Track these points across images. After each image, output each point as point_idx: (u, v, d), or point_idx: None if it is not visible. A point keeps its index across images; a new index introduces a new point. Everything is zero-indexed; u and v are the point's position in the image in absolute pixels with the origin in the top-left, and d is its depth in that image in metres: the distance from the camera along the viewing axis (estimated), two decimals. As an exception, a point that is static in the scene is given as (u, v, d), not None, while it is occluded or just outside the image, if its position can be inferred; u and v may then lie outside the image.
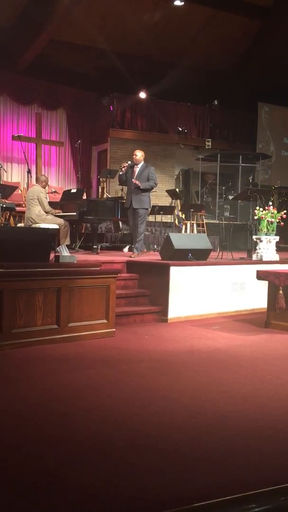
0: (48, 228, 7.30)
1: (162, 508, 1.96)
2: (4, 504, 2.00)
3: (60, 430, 2.75)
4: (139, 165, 7.43)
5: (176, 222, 11.91)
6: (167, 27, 12.78)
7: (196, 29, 13.10)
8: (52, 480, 2.20)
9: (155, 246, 10.01)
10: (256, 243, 7.67)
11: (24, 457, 2.41)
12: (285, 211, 7.61)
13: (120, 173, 7.54)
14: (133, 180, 7.29)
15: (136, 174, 7.37)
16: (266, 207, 7.55)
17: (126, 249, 9.10)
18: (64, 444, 2.56)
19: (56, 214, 8.12)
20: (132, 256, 7.14)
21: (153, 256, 7.53)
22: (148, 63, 13.36)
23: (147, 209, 7.50)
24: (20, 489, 2.12)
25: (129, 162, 7.52)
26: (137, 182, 7.23)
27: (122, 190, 12.03)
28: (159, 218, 10.74)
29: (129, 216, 7.59)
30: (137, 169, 7.41)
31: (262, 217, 7.47)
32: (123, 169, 7.45)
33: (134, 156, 7.48)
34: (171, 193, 11.56)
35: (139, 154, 7.48)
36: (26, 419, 2.89)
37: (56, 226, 7.82)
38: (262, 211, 7.48)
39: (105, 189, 11.91)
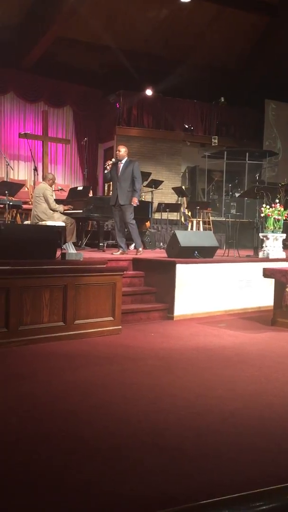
0: (54, 226, 7.31)
1: (168, 505, 1.96)
2: (10, 502, 2.01)
3: (66, 427, 2.75)
4: (123, 161, 7.28)
5: (182, 219, 11.90)
6: (174, 24, 12.74)
7: (203, 26, 13.05)
8: (58, 477, 2.21)
9: (161, 244, 10.01)
10: (262, 241, 7.64)
11: (29, 454, 2.42)
12: (291, 209, 7.58)
13: (105, 172, 7.40)
14: (133, 202, 7.11)
15: (120, 171, 7.23)
16: (273, 205, 7.52)
17: (132, 247, 9.11)
18: (69, 442, 2.57)
19: (65, 211, 8.13)
20: (138, 253, 7.12)
21: (159, 254, 7.52)
22: (154, 60, 13.33)
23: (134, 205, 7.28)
24: (25, 486, 2.13)
25: (113, 160, 7.39)
26: (135, 201, 7.12)
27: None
28: (165, 215, 10.74)
29: (114, 213, 7.36)
30: (121, 165, 7.27)
31: (269, 215, 7.45)
32: (108, 167, 7.31)
33: (118, 152, 7.34)
34: (177, 191, 11.54)
35: (122, 150, 7.33)
36: (32, 416, 2.89)
37: (63, 224, 7.83)
38: (268, 209, 7.46)
39: (111, 186, 11.89)
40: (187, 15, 12.53)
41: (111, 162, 7.35)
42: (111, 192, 11.27)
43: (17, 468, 2.27)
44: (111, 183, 7.89)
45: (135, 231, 7.33)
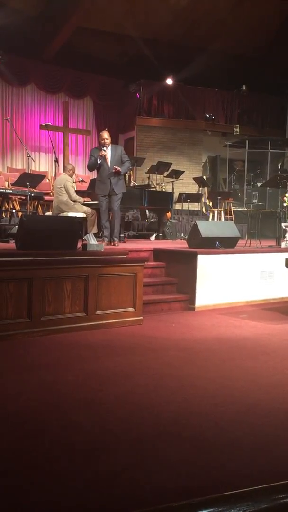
0: (75, 217, 7.34)
1: (191, 497, 1.96)
2: (35, 489, 2.04)
3: (89, 416, 2.77)
4: (109, 148, 7.02)
5: (203, 210, 11.83)
6: (195, 11, 12.57)
7: (225, 13, 12.84)
8: (82, 465, 2.23)
9: (182, 234, 9.97)
10: (285, 231, 7.55)
11: (54, 443, 2.45)
12: (315, 198, 7.46)
13: (99, 161, 6.95)
14: (114, 168, 6.86)
15: (110, 157, 6.97)
16: (296, 194, 7.42)
17: (153, 237, 9.09)
18: (93, 431, 2.59)
19: (85, 202, 8.16)
20: (116, 244, 6.86)
21: (180, 244, 7.50)
22: (175, 49, 13.20)
23: (123, 192, 7.17)
24: (51, 474, 2.15)
25: (104, 149, 6.97)
26: (117, 168, 6.88)
27: (148, 178, 12.00)
28: (186, 206, 10.69)
29: (102, 203, 7.09)
30: (108, 153, 7.00)
31: (292, 204, 7.35)
32: (102, 156, 6.91)
33: (106, 140, 6.99)
34: (198, 181, 11.46)
35: (107, 136, 7.04)
36: (56, 405, 2.92)
37: (84, 215, 7.86)
38: (291, 198, 7.36)
39: (131, 177, 11.89)
40: (209, 1, 12.35)
41: (105, 152, 6.96)
42: (132, 183, 11.30)
43: (43, 456, 2.30)
44: (96, 171, 7.35)
45: (118, 220, 7.13)
